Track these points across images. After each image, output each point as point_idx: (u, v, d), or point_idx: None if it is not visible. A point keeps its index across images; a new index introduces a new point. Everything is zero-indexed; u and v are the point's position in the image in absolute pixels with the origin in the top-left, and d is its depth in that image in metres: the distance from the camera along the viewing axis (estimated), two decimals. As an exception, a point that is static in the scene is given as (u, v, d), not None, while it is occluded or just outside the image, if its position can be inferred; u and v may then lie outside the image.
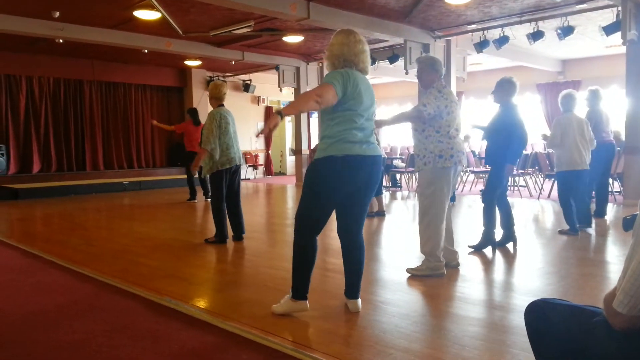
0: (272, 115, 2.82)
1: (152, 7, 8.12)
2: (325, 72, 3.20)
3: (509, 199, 5.42)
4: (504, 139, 4.90)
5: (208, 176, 5.55)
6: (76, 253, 5.23)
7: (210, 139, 5.29)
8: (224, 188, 5.49)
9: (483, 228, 5.06)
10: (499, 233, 5.16)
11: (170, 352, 2.70)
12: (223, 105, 5.56)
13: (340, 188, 3.03)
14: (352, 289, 3.26)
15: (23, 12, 8.54)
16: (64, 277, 4.34)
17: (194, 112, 9.82)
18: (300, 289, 3.12)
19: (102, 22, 9.39)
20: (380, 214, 7.42)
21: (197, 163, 5.47)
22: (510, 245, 5.18)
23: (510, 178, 6.64)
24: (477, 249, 5.00)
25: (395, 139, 16.00)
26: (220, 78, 14.94)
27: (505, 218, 5.13)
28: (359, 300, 3.27)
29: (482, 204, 5.10)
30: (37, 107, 12.38)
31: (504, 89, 4.94)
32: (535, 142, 13.95)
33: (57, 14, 8.59)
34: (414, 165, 4.67)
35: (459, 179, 11.04)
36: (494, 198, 5.05)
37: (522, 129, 4.94)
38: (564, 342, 1.78)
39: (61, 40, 9.72)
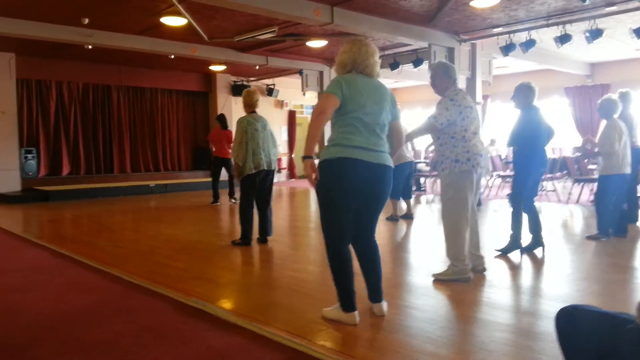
0: (305, 165, 2.94)
1: (178, 13, 8.25)
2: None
3: (537, 204, 5.35)
4: (529, 144, 4.89)
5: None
6: (105, 254, 5.33)
7: (235, 147, 5.48)
8: (253, 192, 5.56)
9: (511, 232, 5.02)
10: (527, 238, 5.09)
11: (198, 353, 2.73)
12: (254, 112, 5.63)
13: (349, 191, 2.97)
14: (375, 292, 3.25)
15: (53, 19, 8.77)
16: (93, 277, 4.44)
17: (221, 118, 10.04)
18: (345, 301, 3.08)
19: (130, 29, 9.59)
20: (409, 216, 7.45)
21: (237, 173, 5.59)
22: (538, 251, 5.11)
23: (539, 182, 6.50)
24: (504, 253, 4.95)
25: (419, 142, 15.89)
26: (244, 82, 15.09)
27: (533, 223, 5.07)
28: (384, 303, 3.26)
29: (510, 208, 5.06)
30: (66, 111, 12.67)
31: (523, 94, 4.93)
32: (564, 146, 13.72)
33: (86, 20, 8.81)
34: (436, 169, 4.68)
35: (484, 182, 10.93)
36: (520, 201, 5.00)
37: (544, 130, 4.94)
38: (595, 348, 1.75)
39: (90, 47, 9.94)
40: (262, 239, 5.73)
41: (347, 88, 2.97)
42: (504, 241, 5.07)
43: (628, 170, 5.63)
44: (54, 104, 12.48)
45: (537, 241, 5.08)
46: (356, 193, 3.00)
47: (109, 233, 6.90)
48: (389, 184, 3.10)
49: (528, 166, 4.94)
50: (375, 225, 3.23)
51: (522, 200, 5.01)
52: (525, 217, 5.06)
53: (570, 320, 1.87)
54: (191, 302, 3.59)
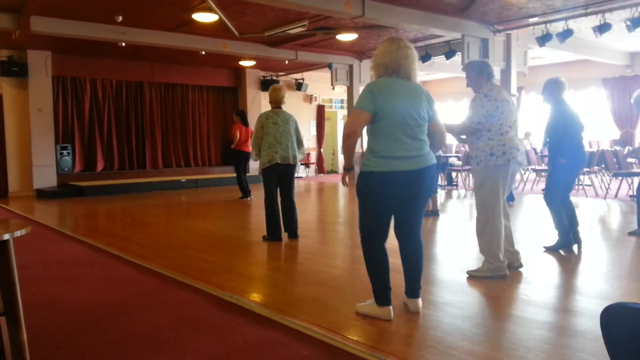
0: (343, 174, 3.21)
1: (210, 9, 8.32)
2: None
3: (574, 199, 5.21)
4: (557, 137, 4.83)
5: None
6: (140, 248, 5.44)
7: (252, 142, 5.66)
8: (272, 186, 5.58)
9: (557, 230, 4.90)
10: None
11: (234, 345, 2.76)
12: (279, 107, 5.63)
13: (387, 200, 3.01)
14: (413, 288, 3.22)
15: (88, 17, 8.94)
16: (129, 270, 4.52)
17: (242, 114, 10.19)
18: (380, 295, 3.10)
19: (162, 25, 9.71)
20: (435, 213, 7.28)
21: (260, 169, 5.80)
22: (575, 247, 4.97)
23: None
24: (554, 250, 4.84)
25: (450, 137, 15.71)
26: (274, 77, 15.14)
27: (569, 219, 4.93)
28: (420, 300, 3.23)
29: (548, 207, 4.95)
30: (100, 108, 12.94)
31: (550, 89, 4.90)
32: (601, 139, 13.32)
33: (120, 18, 8.96)
34: (469, 164, 4.61)
35: (518, 177, 10.71)
36: (555, 197, 4.88)
37: (575, 123, 4.84)
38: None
39: (123, 44, 10.12)
40: (293, 234, 5.72)
41: (379, 94, 2.96)
42: (541, 236, 4.96)
43: None
44: (88, 101, 12.75)
45: (574, 237, 4.95)
46: (396, 201, 3.04)
47: (143, 227, 7.03)
48: (430, 183, 3.10)
49: (564, 165, 4.84)
50: (420, 219, 3.22)
51: (558, 197, 4.90)
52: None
53: (616, 318, 1.80)
54: (225, 295, 3.62)
